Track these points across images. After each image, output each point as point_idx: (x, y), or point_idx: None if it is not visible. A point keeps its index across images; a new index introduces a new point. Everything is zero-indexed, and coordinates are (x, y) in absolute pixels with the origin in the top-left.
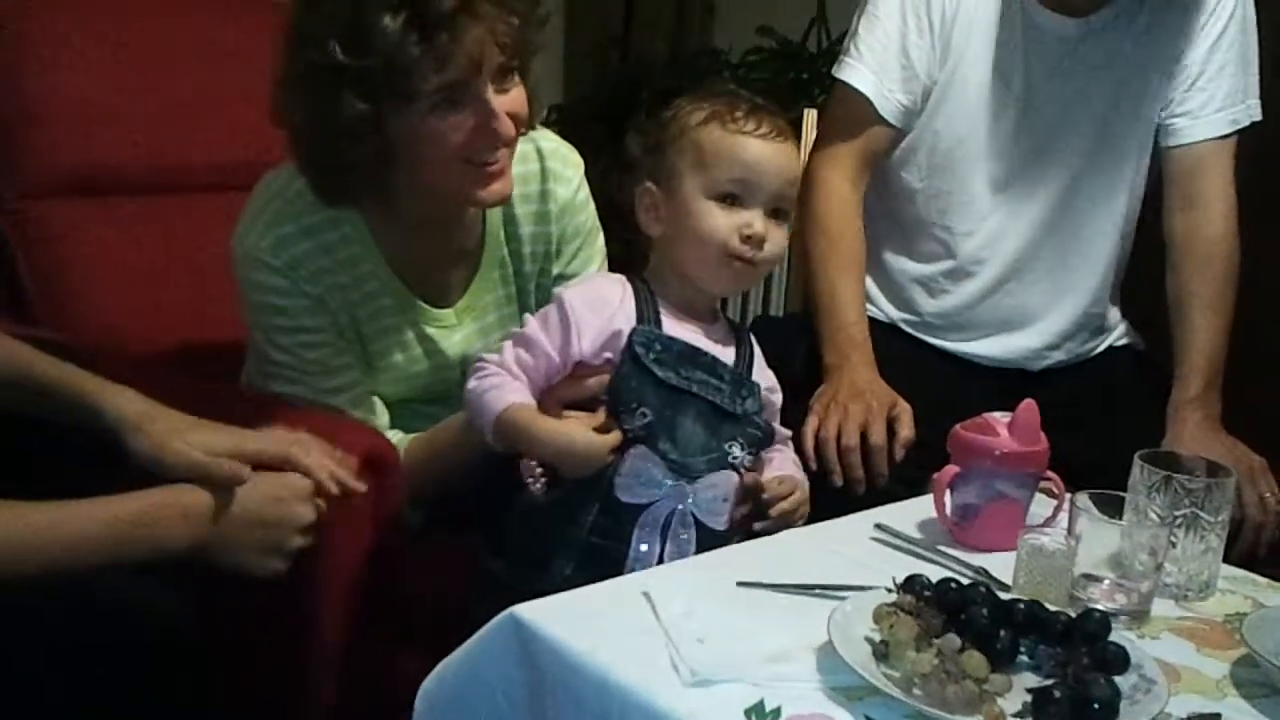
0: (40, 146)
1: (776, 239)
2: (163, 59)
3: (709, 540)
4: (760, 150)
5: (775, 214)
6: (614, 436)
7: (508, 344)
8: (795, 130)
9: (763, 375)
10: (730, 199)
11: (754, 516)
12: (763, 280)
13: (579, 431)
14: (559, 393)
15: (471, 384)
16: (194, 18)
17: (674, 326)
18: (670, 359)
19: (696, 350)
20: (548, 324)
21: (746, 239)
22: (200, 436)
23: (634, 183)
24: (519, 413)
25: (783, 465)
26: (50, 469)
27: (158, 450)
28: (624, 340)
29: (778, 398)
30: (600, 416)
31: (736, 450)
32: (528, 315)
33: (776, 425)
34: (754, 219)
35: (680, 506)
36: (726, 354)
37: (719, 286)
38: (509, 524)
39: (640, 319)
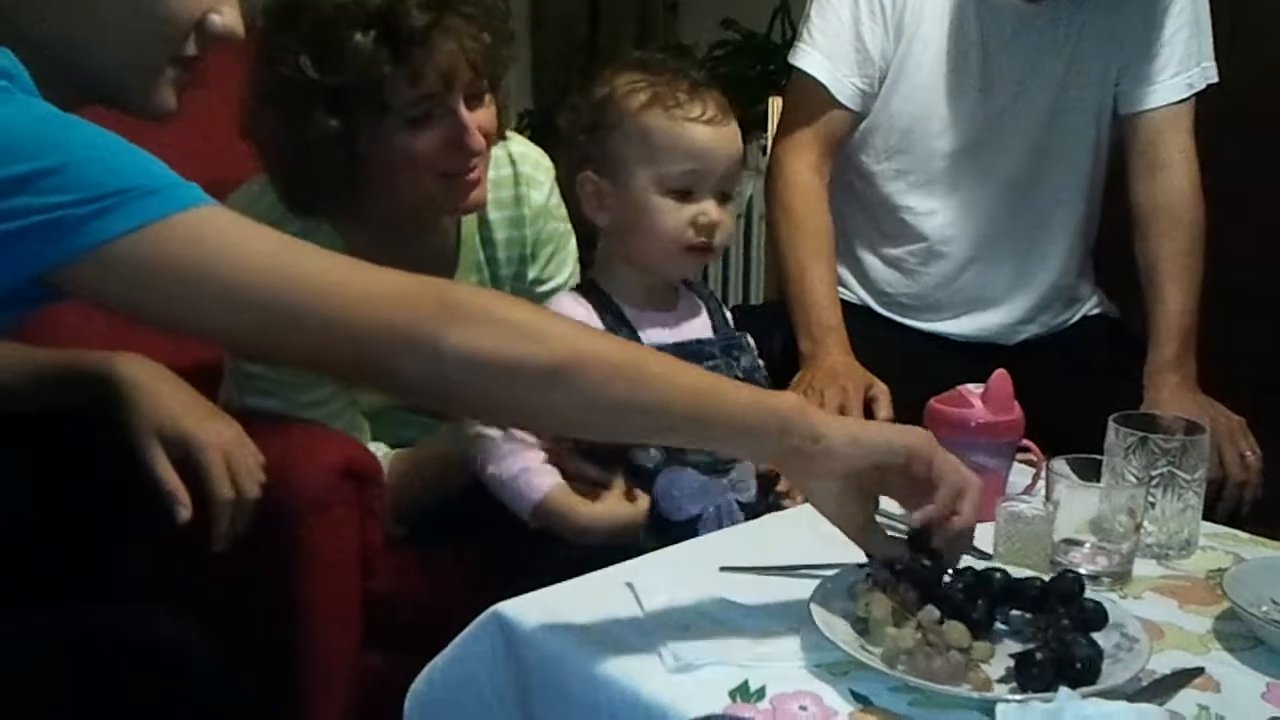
0: None
1: (726, 222)
2: None
3: (752, 514)
4: (709, 137)
5: (722, 197)
6: (643, 503)
7: None
8: (732, 101)
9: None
10: (682, 190)
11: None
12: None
13: (614, 514)
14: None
15: (491, 469)
16: None
17: (644, 328)
18: None
19: (677, 346)
20: None
21: (701, 228)
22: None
23: (569, 163)
24: (556, 502)
25: None
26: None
27: (131, 441)
28: None
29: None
30: (621, 485)
31: None
32: None
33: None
34: (708, 208)
35: (725, 501)
36: (701, 324)
37: (677, 273)
38: (554, 576)
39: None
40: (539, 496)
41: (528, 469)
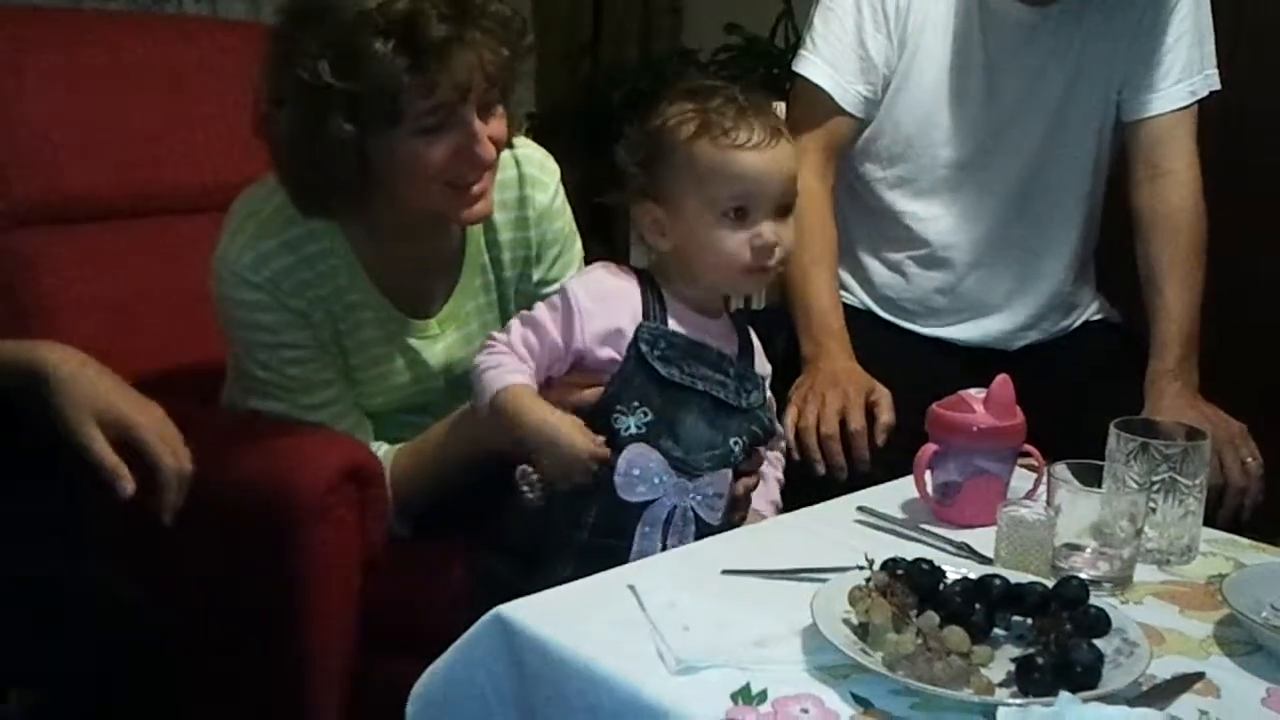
0: (5, 179)
1: (786, 236)
2: (123, 85)
3: (706, 534)
4: (757, 163)
5: (780, 212)
6: (598, 444)
7: (515, 323)
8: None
9: (762, 368)
10: (737, 213)
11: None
12: None
13: (567, 427)
14: (552, 398)
15: (478, 358)
16: (150, 42)
17: (680, 321)
18: (675, 355)
19: (702, 345)
20: (554, 312)
21: (758, 251)
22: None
23: (626, 194)
24: (515, 395)
25: (758, 502)
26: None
27: (66, 425)
28: (628, 337)
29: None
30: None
31: (739, 449)
32: (538, 303)
33: (776, 423)
34: (763, 229)
35: (682, 504)
36: (729, 349)
37: (740, 291)
38: (510, 525)
39: (646, 314)
40: (501, 386)
41: (503, 364)
